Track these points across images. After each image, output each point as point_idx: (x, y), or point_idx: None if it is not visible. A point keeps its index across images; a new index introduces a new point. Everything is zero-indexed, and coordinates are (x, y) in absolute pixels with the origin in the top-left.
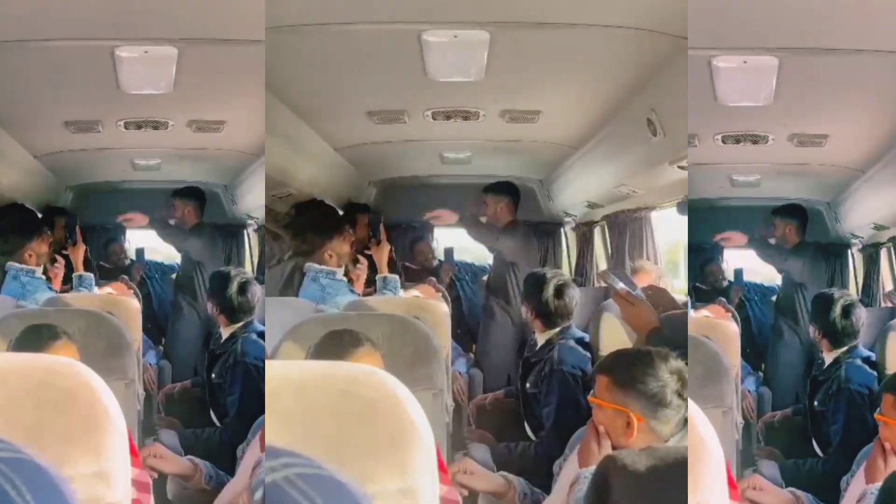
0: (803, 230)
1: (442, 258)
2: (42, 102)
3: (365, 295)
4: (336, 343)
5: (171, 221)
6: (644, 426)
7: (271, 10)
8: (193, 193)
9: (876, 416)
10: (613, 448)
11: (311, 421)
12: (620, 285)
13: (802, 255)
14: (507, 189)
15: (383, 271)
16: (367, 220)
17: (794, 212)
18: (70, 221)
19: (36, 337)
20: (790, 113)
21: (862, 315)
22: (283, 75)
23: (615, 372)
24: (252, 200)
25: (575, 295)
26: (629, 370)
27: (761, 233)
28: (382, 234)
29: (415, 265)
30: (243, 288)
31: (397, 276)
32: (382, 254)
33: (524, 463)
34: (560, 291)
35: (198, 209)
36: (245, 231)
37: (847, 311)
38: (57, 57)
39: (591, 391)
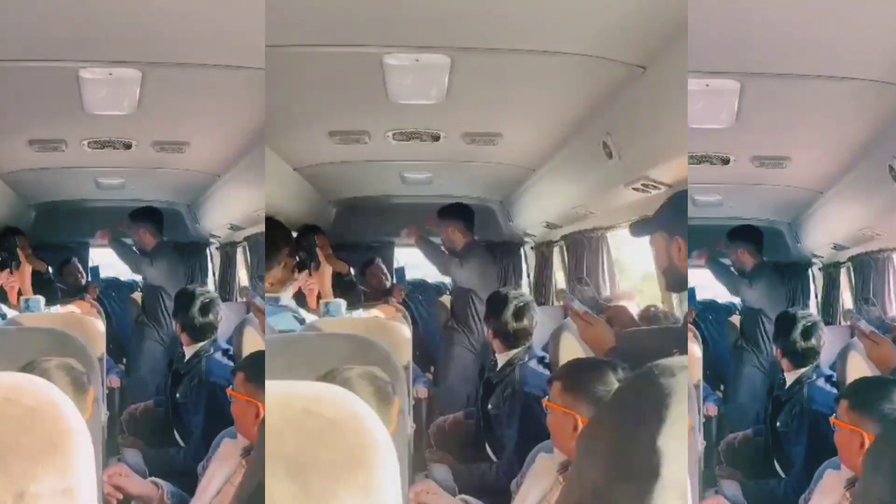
0: (760, 251)
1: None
2: (6, 121)
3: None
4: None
5: (130, 243)
6: None
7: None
8: (150, 215)
9: (831, 419)
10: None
11: (272, 440)
12: (578, 305)
13: (761, 276)
14: (460, 211)
15: (326, 296)
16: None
17: (750, 234)
18: (10, 243)
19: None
20: (752, 135)
21: (823, 335)
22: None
23: (566, 378)
24: (214, 220)
25: (535, 315)
26: (579, 376)
27: (720, 255)
28: (321, 258)
29: (369, 287)
30: (206, 308)
31: (341, 301)
32: (323, 278)
33: (485, 484)
34: (520, 312)
35: (156, 230)
36: (207, 249)
37: (808, 331)
38: (21, 77)
39: (547, 396)
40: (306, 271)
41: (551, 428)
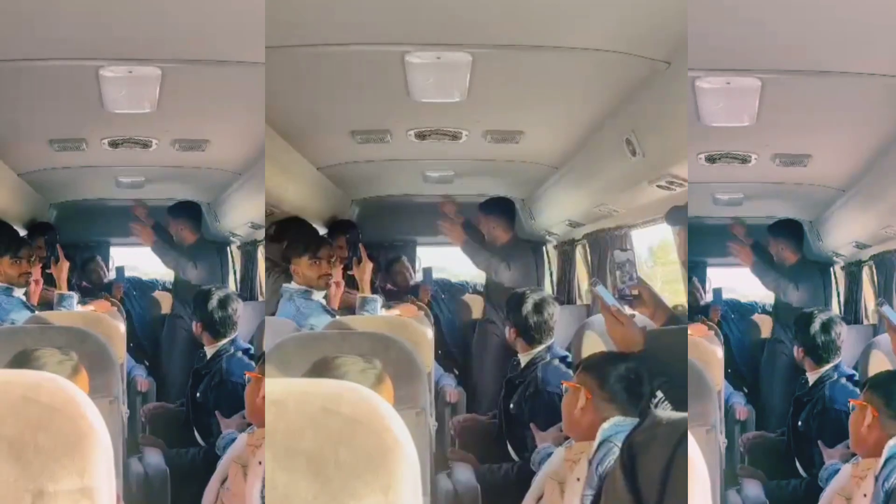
0: (801, 247)
1: (421, 277)
2: (27, 121)
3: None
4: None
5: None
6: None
7: (259, 31)
8: (189, 210)
9: (851, 401)
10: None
11: (292, 438)
12: (611, 300)
13: (803, 273)
14: (502, 206)
15: (365, 291)
16: (347, 239)
17: (792, 229)
18: (51, 239)
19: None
20: (773, 133)
21: (842, 331)
22: (268, 95)
23: (585, 360)
24: (235, 218)
25: (555, 311)
26: (595, 358)
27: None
28: (363, 253)
29: (394, 285)
30: (224, 303)
31: (378, 297)
32: (364, 273)
33: (507, 484)
34: (539, 308)
35: (195, 226)
36: (228, 248)
37: (827, 326)
38: (42, 76)
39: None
40: (341, 278)
41: (563, 408)
